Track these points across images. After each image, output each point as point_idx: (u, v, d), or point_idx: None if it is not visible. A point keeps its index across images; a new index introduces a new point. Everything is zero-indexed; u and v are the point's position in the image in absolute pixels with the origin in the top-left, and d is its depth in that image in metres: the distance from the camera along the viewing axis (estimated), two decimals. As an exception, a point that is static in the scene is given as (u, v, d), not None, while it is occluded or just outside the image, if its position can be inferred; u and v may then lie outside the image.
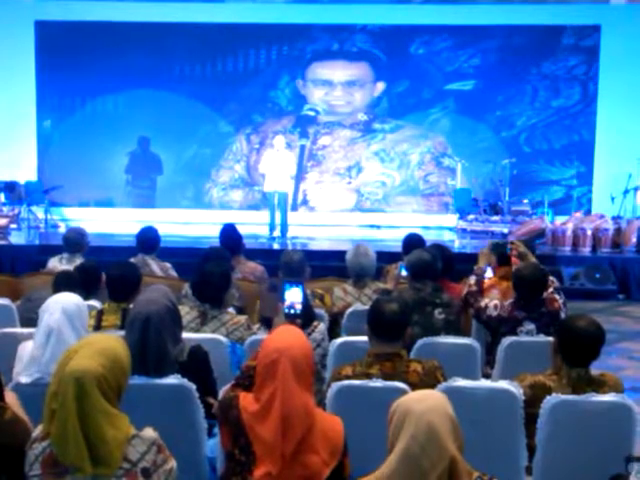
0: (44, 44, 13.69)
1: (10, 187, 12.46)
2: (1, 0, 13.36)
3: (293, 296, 3.14)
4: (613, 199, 12.12)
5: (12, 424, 2.46)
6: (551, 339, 3.34)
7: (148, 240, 6.01)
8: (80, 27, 13.48)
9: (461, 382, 3.04)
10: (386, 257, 6.65)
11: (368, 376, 3.10)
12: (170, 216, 12.94)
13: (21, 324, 4.37)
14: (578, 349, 3.12)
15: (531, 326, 4.15)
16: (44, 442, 2.27)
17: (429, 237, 8.43)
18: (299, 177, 13.49)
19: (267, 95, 13.88)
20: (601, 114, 13.40)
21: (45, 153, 13.85)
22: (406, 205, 13.80)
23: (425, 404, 2.05)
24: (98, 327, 3.89)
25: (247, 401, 2.53)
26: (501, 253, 4.73)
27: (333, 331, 4.49)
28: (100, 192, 13.72)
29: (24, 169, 13.22)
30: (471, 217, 12.45)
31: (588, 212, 12.67)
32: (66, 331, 3.10)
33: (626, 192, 12.15)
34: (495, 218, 12.30)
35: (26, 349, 3.27)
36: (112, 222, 12.46)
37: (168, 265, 6.02)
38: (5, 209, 12.28)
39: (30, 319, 4.02)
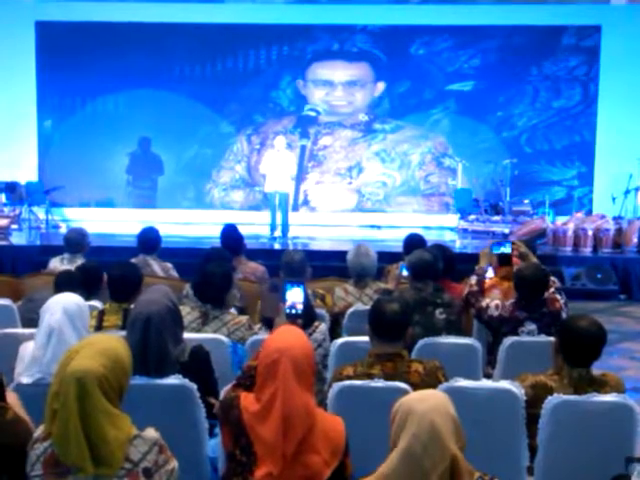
0: (44, 44, 13.70)
1: (11, 187, 12.46)
2: (2, 1, 13.37)
3: (294, 296, 3.14)
4: (614, 199, 12.12)
5: (13, 424, 2.46)
6: (552, 339, 3.33)
7: (149, 240, 6.01)
8: (80, 27, 13.48)
9: (462, 382, 3.04)
10: (387, 257, 6.64)
11: (369, 376, 3.10)
12: (171, 216, 12.94)
13: (22, 324, 4.37)
14: (579, 349, 3.12)
15: (532, 326, 4.15)
16: (45, 442, 2.27)
17: (430, 237, 8.42)
18: (300, 177, 13.50)
19: (268, 95, 13.88)
20: (602, 114, 13.40)
21: (46, 153, 13.86)
22: (407, 205, 13.80)
23: (427, 404, 2.05)
24: (99, 327, 3.89)
25: (248, 401, 2.53)
26: (502, 253, 4.73)
27: (334, 331, 4.49)
28: (101, 192, 13.72)
29: (25, 169, 13.23)
30: (472, 217, 12.45)
31: (589, 212, 12.67)
32: (67, 331, 3.10)
33: (627, 192, 12.15)
34: (496, 218, 12.30)
35: (27, 349, 3.27)
36: (113, 222, 12.45)
37: (169, 265, 6.02)
38: (6, 209, 12.28)
39: (31, 319, 4.02)
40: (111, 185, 13.74)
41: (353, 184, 13.86)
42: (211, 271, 4.06)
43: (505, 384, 3.10)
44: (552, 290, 4.37)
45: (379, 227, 13.15)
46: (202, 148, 13.92)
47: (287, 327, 2.75)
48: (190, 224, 12.63)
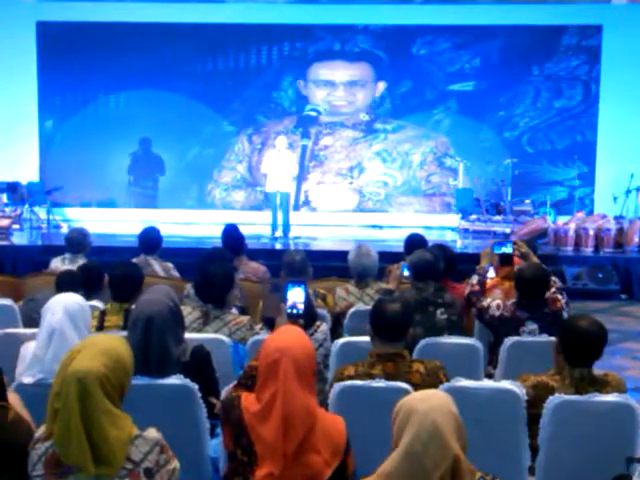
0: (46, 45, 13.71)
1: (12, 188, 12.47)
2: (3, 1, 13.38)
3: (295, 296, 3.14)
4: (615, 199, 12.12)
5: (15, 424, 2.46)
6: (554, 339, 3.33)
7: (150, 240, 6.02)
8: (81, 28, 13.50)
9: (464, 382, 3.04)
10: (388, 257, 6.64)
11: (371, 376, 3.10)
12: (172, 216, 12.95)
13: (24, 324, 4.37)
14: (580, 349, 3.12)
15: (534, 326, 4.15)
16: (47, 442, 2.27)
17: (431, 237, 8.44)
18: (301, 177, 13.50)
19: (270, 96, 13.88)
20: (603, 114, 13.39)
21: (47, 153, 13.87)
22: (408, 205, 13.80)
23: (429, 403, 2.05)
24: (101, 327, 3.89)
25: (249, 401, 2.53)
26: (503, 253, 4.72)
27: (335, 331, 4.49)
28: (102, 192, 13.73)
29: (26, 170, 13.24)
30: (473, 217, 12.45)
31: (590, 213, 12.66)
32: (68, 331, 3.10)
33: (628, 192, 12.15)
34: (497, 218, 12.29)
35: (29, 349, 3.27)
36: (114, 222, 12.46)
37: (170, 265, 6.03)
38: (7, 210, 12.29)
39: (33, 319, 4.03)
40: (112, 185, 13.75)
41: (354, 184, 13.86)
42: (213, 271, 4.06)
43: (506, 384, 3.10)
44: (553, 290, 4.37)
45: (380, 227, 13.15)
46: (203, 148, 13.93)
47: (288, 327, 2.75)
48: (191, 224, 12.64)
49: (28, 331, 3.78)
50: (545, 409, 2.97)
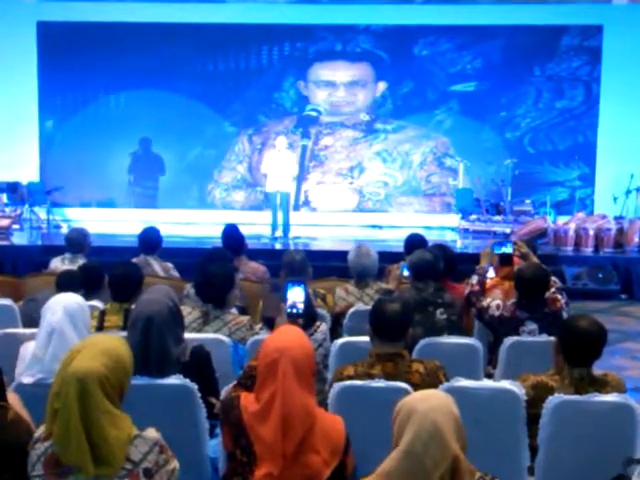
0: (46, 45, 13.71)
1: (12, 188, 12.47)
2: (3, 1, 13.38)
3: (295, 295, 3.14)
4: (615, 199, 12.12)
5: (14, 424, 2.46)
6: (553, 339, 3.33)
7: (150, 240, 6.02)
8: (82, 28, 13.49)
9: (463, 382, 3.04)
10: (388, 257, 6.64)
11: (370, 376, 3.10)
12: (172, 216, 12.94)
13: (23, 324, 4.37)
14: (580, 349, 3.12)
15: (533, 326, 4.15)
16: (46, 442, 2.27)
17: (431, 237, 8.43)
18: (301, 177, 13.50)
19: (271, 96, 13.87)
20: (603, 114, 13.38)
21: (47, 153, 13.87)
22: (408, 205, 13.79)
23: (429, 403, 2.05)
24: (100, 327, 3.89)
25: (248, 401, 2.53)
26: (503, 253, 4.73)
27: (335, 331, 4.49)
28: (102, 192, 13.73)
29: (26, 170, 13.24)
30: (473, 217, 12.44)
31: (591, 213, 12.66)
32: (68, 331, 3.10)
33: (628, 192, 12.15)
34: (497, 218, 12.29)
35: (28, 349, 3.27)
36: (114, 222, 12.46)
37: (170, 265, 6.03)
38: (7, 210, 12.30)
39: (33, 319, 4.02)
40: (112, 185, 13.75)
41: (354, 184, 13.86)
42: (213, 271, 4.06)
43: (506, 384, 3.10)
44: (553, 290, 4.37)
45: (380, 227, 13.15)
46: (203, 148, 13.93)
47: (287, 327, 2.76)
48: (191, 224, 12.64)
49: (28, 331, 3.78)
50: (545, 409, 2.97)
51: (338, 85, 13.84)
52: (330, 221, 13.20)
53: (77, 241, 6.01)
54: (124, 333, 3.26)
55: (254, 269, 5.84)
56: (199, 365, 3.21)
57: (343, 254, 5.53)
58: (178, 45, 13.59)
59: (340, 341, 3.86)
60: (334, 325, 4.55)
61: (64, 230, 11.29)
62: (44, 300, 3.37)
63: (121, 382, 2.31)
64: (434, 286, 4.40)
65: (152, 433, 2.30)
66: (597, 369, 3.19)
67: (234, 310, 4.27)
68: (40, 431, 2.32)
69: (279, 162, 11.07)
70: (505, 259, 4.73)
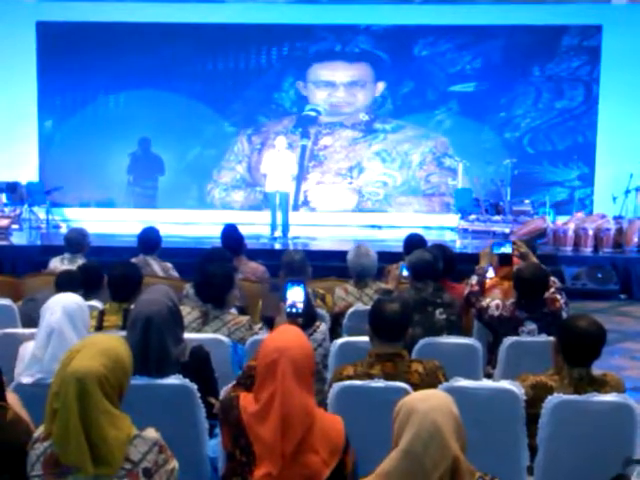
0: (45, 45, 13.70)
1: (12, 188, 12.47)
2: (3, 1, 13.37)
3: (295, 295, 3.14)
4: (615, 199, 12.12)
5: (14, 424, 2.45)
6: (552, 339, 3.33)
7: (149, 240, 6.02)
8: (81, 28, 13.49)
9: (463, 382, 3.04)
10: (387, 257, 6.64)
11: (370, 376, 3.10)
12: (171, 216, 12.94)
13: (23, 324, 4.37)
14: (579, 349, 3.12)
15: (533, 326, 4.15)
16: (46, 442, 2.27)
17: (430, 237, 8.43)
18: (300, 177, 13.50)
19: (271, 97, 13.87)
20: (603, 114, 13.38)
21: (46, 153, 13.86)
22: (407, 205, 13.79)
23: (429, 403, 2.05)
24: (100, 327, 3.89)
25: (247, 401, 2.53)
26: (503, 253, 4.73)
27: (334, 331, 4.49)
28: (101, 192, 13.73)
29: (25, 170, 13.23)
30: (472, 217, 12.45)
31: (590, 213, 12.66)
32: (67, 331, 3.10)
33: (627, 192, 12.15)
34: (497, 218, 12.30)
35: (27, 349, 3.27)
36: (113, 223, 12.46)
37: (169, 265, 6.03)
38: (7, 210, 12.29)
39: (32, 319, 4.02)
40: (111, 185, 13.75)
41: (353, 184, 13.86)
42: (212, 271, 4.06)
43: (505, 384, 3.10)
44: (552, 290, 4.37)
45: (379, 227, 13.15)
46: (203, 148, 13.92)
47: (286, 327, 2.75)
48: (191, 224, 12.64)
49: (27, 331, 3.78)
50: (544, 409, 2.97)
51: (338, 85, 13.84)
52: (329, 221, 13.20)
53: (76, 241, 6.01)
54: (123, 333, 3.26)
55: (253, 269, 5.84)
56: (198, 365, 3.21)
57: (342, 254, 5.54)
58: (178, 45, 13.59)
59: (339, 341, 3.86)
60: (333, 325, 4.55)
61: (63, 230, 11.28)
62: (43, 300, 3.37)
63: (120, 382, 2.31)
64: (433, 286, 4.41)
65: (151, 433, 2.30)
66: (596, 369, 3.19)
67: (233, 310, 4.27)
68: (39, 431, 2.32)
69: (278, 162, 11.07)
70: (504, 259, 4.74)
